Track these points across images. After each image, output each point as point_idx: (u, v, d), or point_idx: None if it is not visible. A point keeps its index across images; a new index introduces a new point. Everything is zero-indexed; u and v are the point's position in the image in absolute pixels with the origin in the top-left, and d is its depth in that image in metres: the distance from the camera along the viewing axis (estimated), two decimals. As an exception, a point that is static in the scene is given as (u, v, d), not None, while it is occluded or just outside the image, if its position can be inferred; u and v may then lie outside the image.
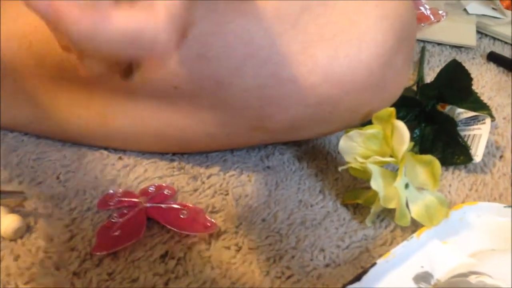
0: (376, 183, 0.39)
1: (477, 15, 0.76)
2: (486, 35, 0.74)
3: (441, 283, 0.36)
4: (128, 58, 0.24)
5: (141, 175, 0.44)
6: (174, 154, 0.47)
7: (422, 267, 0.37)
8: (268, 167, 0.47)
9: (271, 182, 0.45)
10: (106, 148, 0.47)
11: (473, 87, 0.51)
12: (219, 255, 0.38)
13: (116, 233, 0.37)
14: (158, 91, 0.41)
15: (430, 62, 0.66)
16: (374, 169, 0.39)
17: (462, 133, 0.49)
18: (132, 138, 0.45)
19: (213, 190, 0.44)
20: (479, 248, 0.39)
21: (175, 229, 0.39)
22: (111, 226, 0.38)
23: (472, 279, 0.36)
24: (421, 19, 0.72)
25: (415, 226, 0.40)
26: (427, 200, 0.39)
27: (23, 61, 0.43)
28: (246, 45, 0.38)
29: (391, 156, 0.40)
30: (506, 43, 0.72)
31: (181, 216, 0.40)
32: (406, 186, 0.39)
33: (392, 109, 0.39)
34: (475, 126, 0.50)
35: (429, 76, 0.62)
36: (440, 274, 0.37)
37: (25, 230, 0.38)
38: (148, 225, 0.39)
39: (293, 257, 0.38)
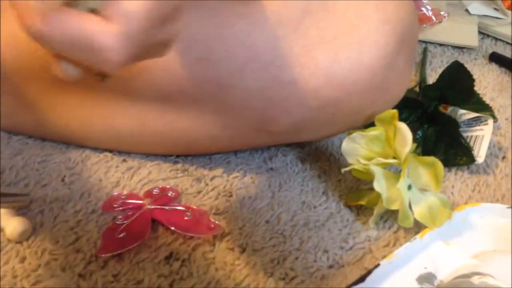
0: (379, 185, 0.39)
1: (479, 15, 0.77)
2: (488, 36, 0.74)
3: (444, 284, 0.36)
4: (81, 61, 0.24)
5: (145, 177, 0.45)
6: (177, 156, 0.47)
7: (425, 268, 0.37)
8: (271, 169, 0.47)
9: (275, 184, 0.45)
10: (110, 151, 0.47)
11: (475, 88, 0.52)
12: (223, 257, 0.38)
13: (121, 235, 0.38)
14: (163, 95, 0.41)
15: (432, 63, 0.66)
16: (377, 171, 0.39)
17: (464, 134, 0.49)
18: (136, 140, 0.45)
19: (217, 192, 0.44)
20: (482, 249, 0.39)
21: (179, 231, 0.39)
22: (116, 228, 0.38)
23: (475, 280, 0.36)
24: (423, 20, 0.72)
25: (418, 227, 0.40)
26: (430, 202, 0.40)
27: (27, 64, 0.43)
28: (248, 48, 0.38)
29: (393, 158, 0.40)
30: (508, 43, 0.72)
31: (185, 218, 0.40)
32: (409, 187, 0.39)
33: (395, 111, 0.39)
34: (478, 127, 0.50)
35: (431, 77, 0.62)
36: (443, 275, 0.37)
37: (31, 232, 0.38)
38: (153, 227, 0.40)
39: (296, 258, 0.38)
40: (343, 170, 0.42)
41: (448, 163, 0.47)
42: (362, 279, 0.35)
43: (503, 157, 0.50)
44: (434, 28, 0.72)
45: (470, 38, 0.71)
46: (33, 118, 0.46)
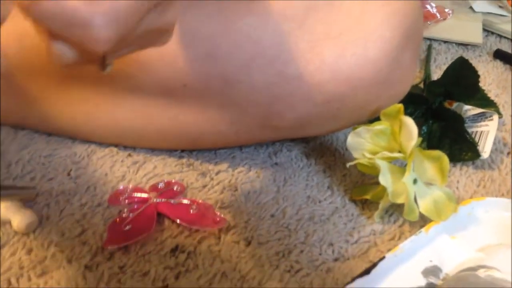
0: (385, 179, 0.39)
1: (483, 13, 0.77)
2: (492, 33, 0.74)
3: (450, 277, 0.36)
4: (69, 37, 0.24)
5: (150, 171, 0.45)
6: (182, 151, 0.47)
7: (430, 261, 0.37)
8: (276, 164, 0.47)
9: (279, 179, 0.45)
10: (115, 146, 0.47)
11: (480, 85, 0.51)
12: (228, 250, 0.38)
13: (127, 228, 0.38)
14: (167, 89, 0.41)
15: (436, 60, 0.66)
16: (383, 165, 0.39)
17: (469, 130, 0.49)
18: (140, 135, 0.45)
19: (222, 186, 0.44)
20: (487, 243, 0.39)
21: (185, 224, 0.39)
22: (122, 220, 0.39)
23: (481, 273, 0.36)
24: (428, 17, 0.72)
25: (424, 221, 0.40)
26: (435, 195, 0.40)
27: (31, 60, 0.43)
28: (253, 44, 0.38)
29: (399, 152, 0.40)
30: (512, 40, 0.72)
31: (191, 211, 0.40)
32: (414, 181, 0.39)
33: (400, 105, 0.39)
34: (483, 123, 0.50)
35: (436, 74, 0.62)
36: (449, 268, 0.37)
37: (37, 225, 0.38)
38: (158, 220, 0.40)
39: (302, 251, 0.39)
40: (348, 164, 0.42)
41: (453, 159, 0.47)
42: (367, 271, 0.35)
43: (508, 153, 0.50)
44: (438, 25, 0.72)
45: (475, 35, 0.71)
46: (38, 113, 0.46)
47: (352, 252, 0.39)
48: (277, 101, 0.40)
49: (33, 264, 0.36)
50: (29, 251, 0.37)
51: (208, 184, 0.44)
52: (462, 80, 0.50)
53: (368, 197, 0.42)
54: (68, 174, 0.44)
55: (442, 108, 0.50)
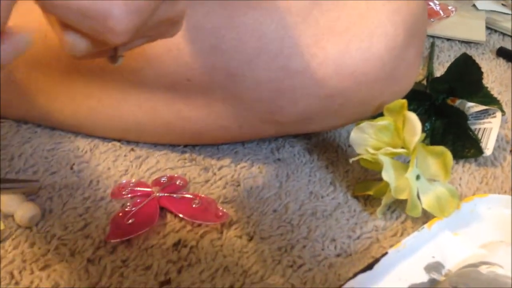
0: (388, 174, 0.39)
1: (486, 11, 0.76)
2: (495, 31, 0.74)
3: (452, 273, 0.36)
4: (86, 29, 0.24)
5: (153, 166, 0.45)
6: (185, 146, 0.47)
7: (433, 257, 0.37)
8: (279, 159, 0.47)
9: (282, 174, 0.45)
10: (118, 140, 0.47)
11: (483, 82, 0.51)
12: (231, 244, 0.38)
13: (130, 221, 0.38)
14: (172, 84, 0.41)
15: (439, 57, 0.66)
16: (386, 160, 0.39)
17: (472, 127, 0.49)
18: (144, 129, 0.45)
19: (225, 181, 0.44)
20: (489, 240, 0.39)
21: (187, 218, 0.39)
22: (124, 214, 0.39)
23: (483, 269, 0.36)
24: (431, 14, 0.72)
25: (426, 217, 0.40)
26: (438, 192, 0.40)
27: (35, 54, 0.43)
28: (258, 38, 0.38)
29: (402, 148, 0.40)
30: (515, 38, 0.72)
31: (193, 205, 0.40)
32: (417, 177, 0.39)
33: (404, 101, 0.39)
34: (486, 120, 0.50)
35: (439, 71, 0.62)
36: (451, 264, 0.37)
37: (40, 218, 0.38)
38: (161, 214, 0.40)
39: (304, 246, 0.39)
40: (351, 160, 0.42)
41: (456, 155, 0.47)
42: (369, 267, 0.35)
43: (511, 150, 0.50)
44: (441, 22, 0.72)
45: (478, 33, 0.71)
46: (41, 107, 0.46)
47: (355, 248, 0.39)
48: (281, 95, 0.40)
49: (36, 257, 0.36)
50: (32, 244, 0.37)
51: (211, 179, 0.44)
52: (465, 77, 0.50)
53: (370, 193, 0.42)
54: (71, 168, 0.44)
55: (445, 105, 0.50)
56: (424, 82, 0.58)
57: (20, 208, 0.37)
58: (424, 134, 0.39)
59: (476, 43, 0.70)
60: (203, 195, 0.42)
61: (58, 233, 0.38)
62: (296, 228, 0.40)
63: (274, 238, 0.39)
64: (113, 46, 0.26)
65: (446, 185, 0.40)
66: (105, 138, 0.47)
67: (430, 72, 0.60)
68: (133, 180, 0.43)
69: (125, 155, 0.46)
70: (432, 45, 0.67)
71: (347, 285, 0.34)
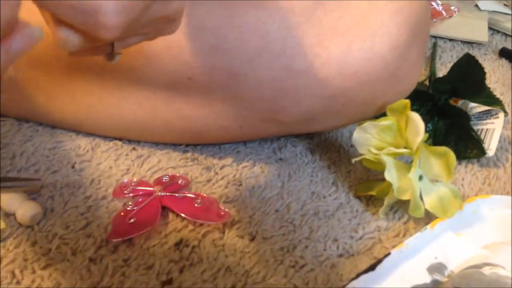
0: (390, 175, 0.39)
1: (489, 11, 0.76)
2: (498, 32, 0.74)
3: (455, 274, 0.36)
4: (78, 24, 0.24)
5: (155, 165, 0.45)
6: (187, 145, 0.47)
7: (436, 258, 0.37)
8: (281, 159, 0.47)
9: (284, 174, 0.45)
10: (119, 139, 0.47)
11: (485, 83, 0.51)
12: (233, 244, 0.38)
13: (131, 221, 0.38)
14: (172, 82, 0.41)
15: (442, 57, 0.66)
16: (388, 161, 0.39)
17: (475, 127, 0.49)
18: (144, 128, 0.45)
19: (226, 181, 0.44)
20: (492, 240, 0.39)
21: (189, 218, 0.39)
22: (126, 213, 0.38)
23: (486, 270, 0.36)
24: (434, 14, 0.72)
25: (428, 218, 0.40)
26: (441, 192, 0.39)
27: (36, 52, 0.43)
28: (260, 37, 0.38)
29: (405, 148, 0.40)
30: (518, 39, 0.72)
31: (195, 205, 0.40)
32: (420, 178, 0.39)
33: (407, 101, 0.39)
34: (488, 121, 0.49)
35: (441, 72, 0.62)
36: (454, 265, 0.37)
37: (41, 217, 0.38)
38: (163, 213, 0.40)
39: (306, 247, 0.38)
40: (353, 160, 0.42)
41: (459, 156, 0.47)
42: (372, 267, 0.35)
43: (514, 151, 0.50)
44: (444, 23, 0.72)
45: (480, 33, 0.71)
46: (42, 106, 0.46)
47: (357, 248, 0.39)
48: (283, 95, 0.40)
49: (37, 256, 0.36)
50: (33, 243, 0.36)
51: (213, 178, 0.44)
52: (468, 77, 0.50)
53: (373, 193, 0.42)
54: (73, 167, 0.43)
55: (447, 105, 0.50)
56: (427, 82, 0.58)
57: (21, 207, 0.37)
58: (427, 135, 0.39)
59: (479, 44, 0.70)
60: (205, 195, 0.42)
61: (59, 232, 0.37)
62: (298, 228, 0.40)
63: (276, 238, 0.39)
64: (106, 42, 0.26)
65: (449, 185, 0.40)
66: (106, 137, 0.47)
67: (432, 72, 0.60)
68: (135, 179, 0.43)
69: (126, 154, 0.46)
70: (435, 46, 0.67)
71: (349, 285, 0.33)
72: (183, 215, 0.39)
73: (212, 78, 0.40)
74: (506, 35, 0.73)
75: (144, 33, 0.29)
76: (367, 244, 0.39)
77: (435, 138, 0.49)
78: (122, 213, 0.39)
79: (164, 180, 0.42)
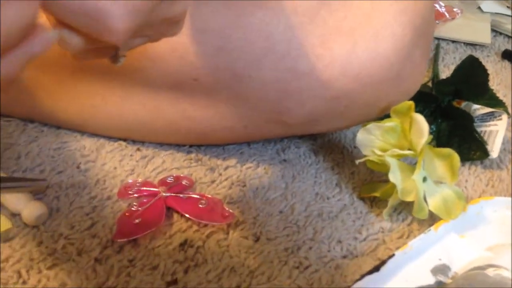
0: (394, 176, 0.39)
1: (491, 13, 0.76)
2: (501, 33, 0.74)
3: (459, 275, 0.36)
4: (86, 29, 0.24)
5: (159, 166, 0.45)
6: (191, 146, 0.47)
7: (440, 259, 0.37)
8: (285, 160, 0.47)
9: (288, 175, 0.45)
10: (124, 140, 0.47)
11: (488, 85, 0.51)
12: (237, 245, 0.38)
13: (136, 221, 0.38)
14: (177, 83, 0.41)
15: (444, 59, 0.66)
16: (393, 162, 0.39)
17: (478, 129, 0.49)
18: (148, 129, 0.45)
19: (230, 182, 0.44)
20: (496, 242, 0.39)
21: (193, 218, 0.39)
22: (131, 214, 0.39)
23: (490, 272, 0.36)
24: (436, 16, 0.72)
25: (432, 220, 0.40)
26: (444, 194, 0.40)
27: (47, 51, 0.43)
28: (265, 38, 0.38)
29: (409, 150, 0.40)
30: (520, 41, 0.72)
31: (200, 205, 0.40)
32: (424, 179, 0.39)
33: (411, 102, 0.39)
34: (492, 122, 0.50)
35: (444, 73, 0.62)
36: (458, 267, 0.37)
37: (47, 217, 0.38)
38: (167, 214, 0.40)
39: (310, 248, 0.39)
40: (357, 161, 0.42)
41: (462, 158, 0.47)
42: (376, 268, 0.35)
43: (517, 153, 0.50)
44: (447, 24, 0.72)
45: (483, 35, 0.71)
46: (47, 106, 0.46)
47: (361, 249, 0.39)
48: (287, 97, 0.40)
49: (43, 256, 0.36)
50: (39, 243, 0.37)
51: (217, 179, 0.44)
52: (471, 79, 0.50)
53: (377, 194, 0.42)
54: (78, 167, 0.44)
55: (451, 107, 0.50)
56: (429, 84, 0.58)
57: (27, 207, 0.38)
58: (431, 136, 0.39)
59: (481, 46, 0.70)
60: (209, 195, 0.42)
61: (65, 232, 0.38)
62: (302, 229, 0.40)
63: (280, 239, 0.39)
64: (109, 44, 0.26)
65: (453, 187, 0.40)
66: (111, 138, 0.47)
67: (435, 74, 0.60)
68: (140, 180, 0.43)
69: (131, 155, 0.46)
70: (437, 47, 0.67)
71: (354, 286, 0.34)
72: (187, 215, 0.39)
73: (216, 79, 0.40)
74: (509, 37, 0.73)
75: (148, 35, 0.29)
76: (371, 246, 0.39)
77: (438, 140, 0.49)
78: (127, 214, 0.39)
79: (168, 181, 0.43)
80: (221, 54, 0.39)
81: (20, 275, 0.34)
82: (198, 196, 0.41)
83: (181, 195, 0.41)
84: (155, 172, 0.44)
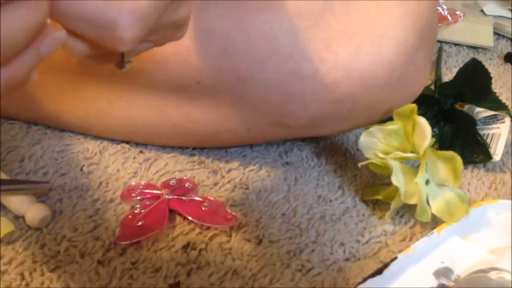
0: (397, 179, 0.39)
1: (494, 16, 0.76)
2: (503, 36, 0.74)
3: (462, 278, 0.36)
4: (93, 37, 0.24)
5: (162, 168, 0.45)
6: (194, 148, 0.47)
7: (442, 262, 0.37)
8: (287, 163, 0.47)
9: (290, 178, 0.45)
10: (127, 142, 0.47)
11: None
12: (240, 247, 0.38)
13: (139, 224, 0.38)
14: (181, 86, 0.41)
15: (447, 62, 0.66)
16: (395, 165, 0.39)
17: (481, 132, 0.49)
18: (152, 132, 0.45)
19: (233, 184, 0.44)
20: (498, 245, 0.39)
21: (196, 221, 0.39)
22: (134, 216, 0.39)
23: (493, 275, 0.36)
24: (439, 19, 0.72)
25: (434, 223, 0.40)
26: (447, 197, 0.40)
27: (52, 54, 0.43)
28: (268, 41, 0.38)
29: (411, 153, 0.40)
30: (523, 44, 0.72)
31: (203, 208, 0.40)
32: (427, 182, 0.39)
33: (414, 105, 0.39)
34: (494, 125, 0.50)
35: (446, 76, 0.62)
36: (461, 270, 0.37)
37: (50, 219, 0.39)
38: (170, 216, 0.40)
39: (313, 250, 0.39)
40: (360, 164, 0.42)
41: (465, 161, 0.46)
42: (379, 271, 0.35)
43: (520, 156, 0.50)
44: (449, 27, 0.72)
45: (486, 38, 0.71)
46: (51, 109, 0.46)
47: (363, 252, 0.39)
48: (290, 99, 0.40)
49: (46, 258, 0.36)
50: (42, 246, 0.37)
51: (219, 182, 0.44)
52: (474, 82, 0.50)
53: (379, 197, 0.42)
54: (81, 170, 0.44)
55: (453, 110, 0.50)
56: (432, 87, 0.58)
57: (30, 209, 0.38)
58: (434, 139, 0.39)
59: (484, 49, 0.70)
60: (212, 198, 0.42)
61: (68, 235, 0.38)
62: (304, 232, 0.40)
63: (283, 242, 0.39)
64: (116, 51, 0.26)
65: (455, 190, 0.40)
66: (114, 140, 0.47)
67: (437, 77, 0.60)
68: (142, 182, 0.43)
69: (134, 157, 0.46)
70: (440, 50, 0.67)
71: (356, 289, 0.34)
72: (190, 218, 0.39)
73: (220, 82, 0.40)
74: (511, 40, 0.73)
75: (153, 40, 0.29)
76: (374, 248, 0.39)
77: (441, 142, 0.49)
78: (130, 216, 0.39)
79: (171, 183, 0.43)
80: (225, 57, 0.39)
81: (23, 277, 0.35)
82: (200, 199, 0.41)
83: (184, 198, 0.41)
84: (158, 174, 0.44)
